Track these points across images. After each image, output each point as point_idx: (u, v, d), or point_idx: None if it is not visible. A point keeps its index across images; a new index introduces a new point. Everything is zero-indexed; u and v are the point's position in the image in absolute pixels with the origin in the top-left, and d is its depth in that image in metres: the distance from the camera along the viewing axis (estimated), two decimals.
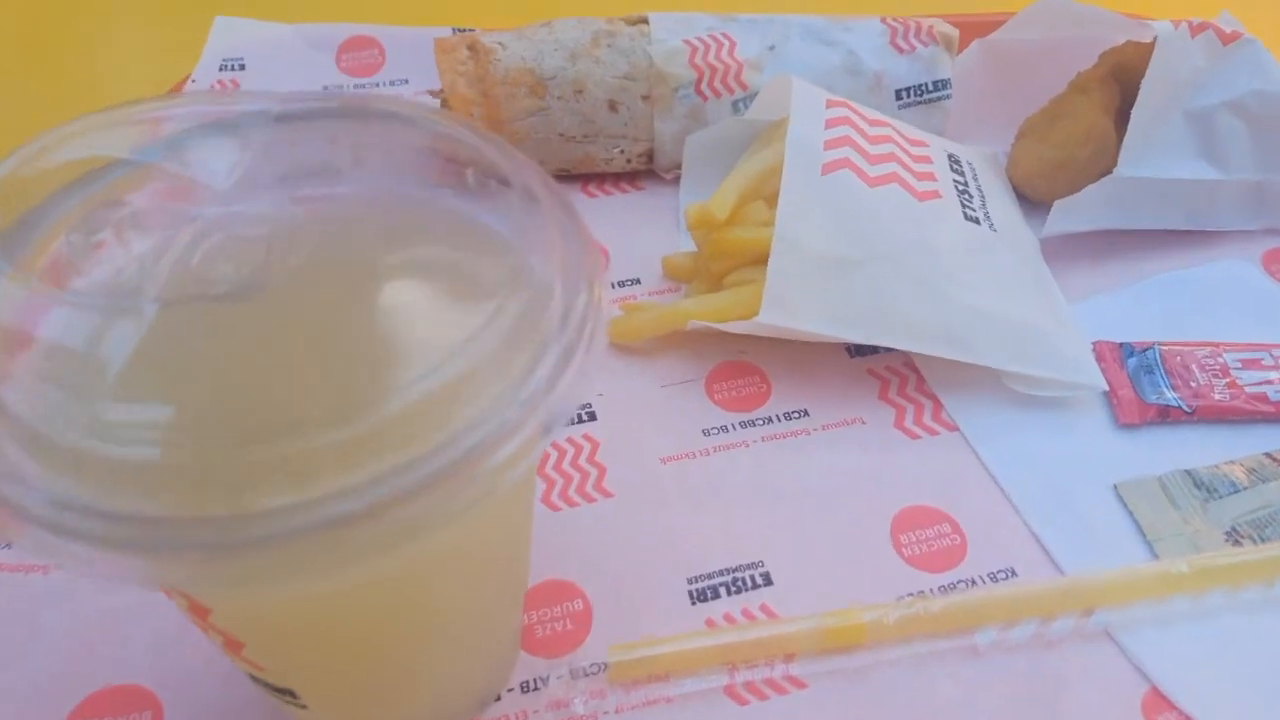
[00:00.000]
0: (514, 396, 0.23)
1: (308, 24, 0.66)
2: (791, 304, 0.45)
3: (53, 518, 0.21)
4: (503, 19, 0.61)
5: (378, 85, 0.64)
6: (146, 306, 0.24)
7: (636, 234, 0.56)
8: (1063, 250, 0.54)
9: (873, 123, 0.51)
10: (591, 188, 0.60)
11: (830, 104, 0.50)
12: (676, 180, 0.59)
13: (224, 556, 0.20)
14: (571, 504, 0.43)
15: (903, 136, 0.51)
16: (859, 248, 0.46)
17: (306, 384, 0.24)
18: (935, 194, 0.49)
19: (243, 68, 0.64)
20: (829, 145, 0.48)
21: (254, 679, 0.30)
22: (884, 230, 0.47)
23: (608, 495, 0.44)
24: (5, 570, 0.40)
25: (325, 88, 0.64)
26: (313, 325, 0.25)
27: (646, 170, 0.60)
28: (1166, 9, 0.65)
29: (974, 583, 0.41)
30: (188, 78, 0.62)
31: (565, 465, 0.45)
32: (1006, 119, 0.60)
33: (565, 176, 0.59)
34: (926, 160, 0.51)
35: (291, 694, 0.30)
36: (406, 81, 0.64)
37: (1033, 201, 0.57)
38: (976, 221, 0.49)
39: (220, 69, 0.63)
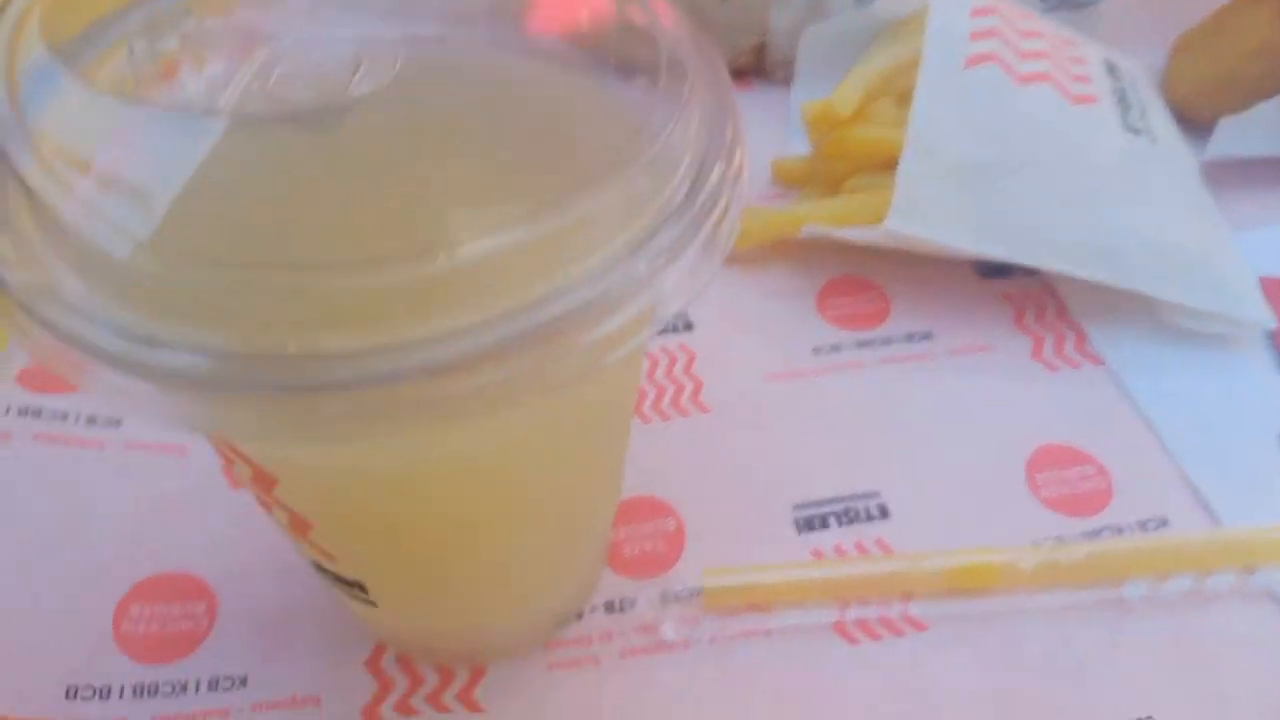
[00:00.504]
0: (630, 262, 0.19)
1: None
2: (923, 211, 0.40)
3: (117, 351, 0.17)
4: None
5: None
6: (214, 125, 0.20)
7: (754, 134, 0.51)
8: (1228, 175, 0.48)
9: (1024, 16, 0.45)
10: None
11: None
12: (786, 81, 0.54)
13: (296, 399, 0.17)
14: (665, 417, 0.39)
15: (1057, 37, 0.46)
16: (1004, 151, 0.41)
17: (387, 218, 0.20)
18: (1092, 98, 0.43)
19: None
20: (975, 36, 0.43)
21: (319, 569, 0.26)
22: (1032, 134, 0.41)
23: (704, 410, 0.39)
24: (60, 443, 0.37)
25: None
26: (397, 158, 0.21)
27: (752, 68, 0.55)
28: None
29: (1121, 531, 0.36)
30: None
31: (658, 375, 0.41)
32: (1160, 33, 0.54)
33: None
34: (1082, 61, 0.45)
35: (360, 587, 0.26)
36: None
37: (1194, 124, 0.51)
38: (1137, 133, 0.44)
39: None
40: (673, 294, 0.19)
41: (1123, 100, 0.45)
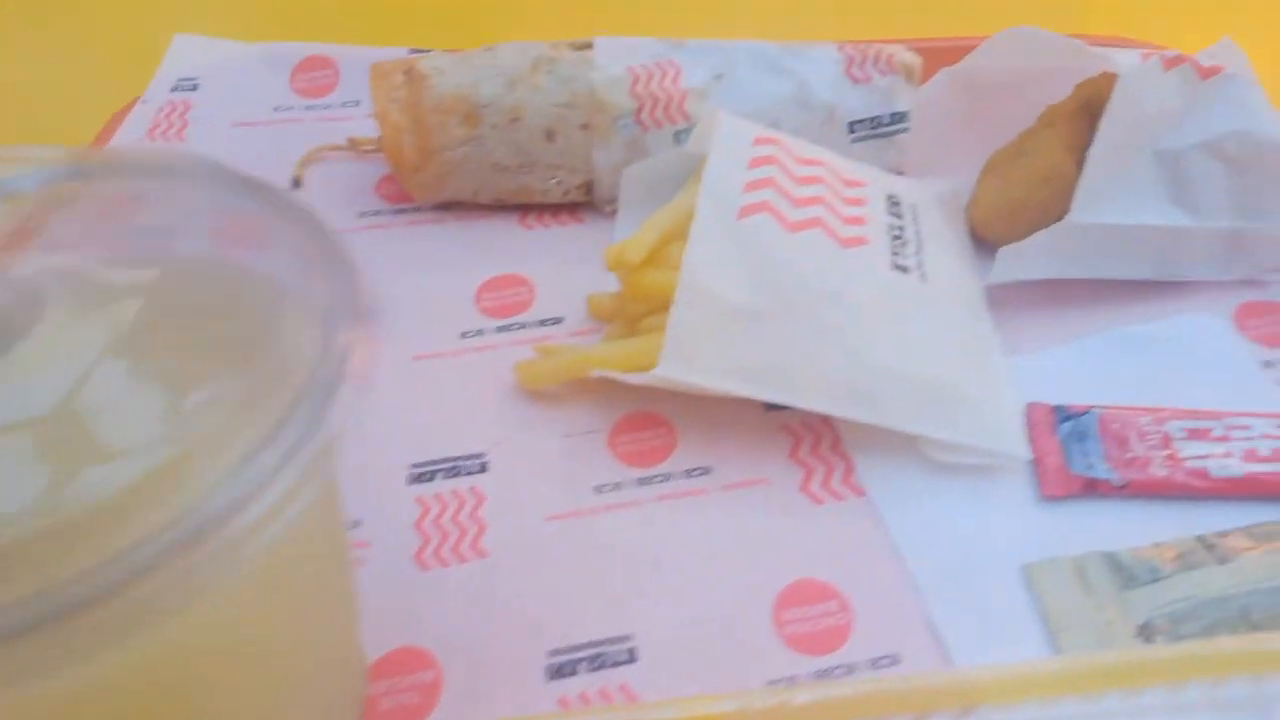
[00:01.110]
0: (258, 458, 0.22)
1: (267, 43, 0.66)
2: (693, 356, 0.43)
3: None
4: (468, 41, 0.59)
5: (329, 106, 0.63)
6: None
7: (568, 270, 0.54)
8: (1015, 298, 0.51)
9: (803, 162, 0.48)
10: (530, 219, 0.58)
11: (758, 141, 0.48)
12: (616, 214, 0.57)
13: None
14: (443, 563, 0.42)
15: (837, 177, 0.48)
16: (771, 298, 0.44)
17: (29, 466, 0.22)
18: (862, 240, 0.46)
19: (195, 88, 0.63)
20: (749, 187, 0.46)
21: None
22: (799, 279, 0.44)
23: (482, 555, 0.42)
24: None
25: (276, 109, 0.63)
26: (46, 396, 0.24)
27: (587, 202, 0.58)
28: (1166, 35, 0.61)
29: (852, 669, 0.38)
30: (137, 100, 0.62)
31: (445, 520, 0.43)
32: (974, 153, 0.57)
33: (502, 207, 0.58)
34: (859, 202, 0.48)
35: None
36: (358, 103, 0.63)
37: (991, 246, 0.53)
38: (905, 270, 0.46)
39: (172, 89, 0.63)
40: (321, 462, 0.22)
41: (897, 238, 0.48)
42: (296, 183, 0.59)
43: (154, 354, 0.25)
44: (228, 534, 0.21)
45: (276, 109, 0.63)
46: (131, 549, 0.20)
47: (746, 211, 0.45)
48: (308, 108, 0.63)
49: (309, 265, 0.25)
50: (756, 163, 0.47)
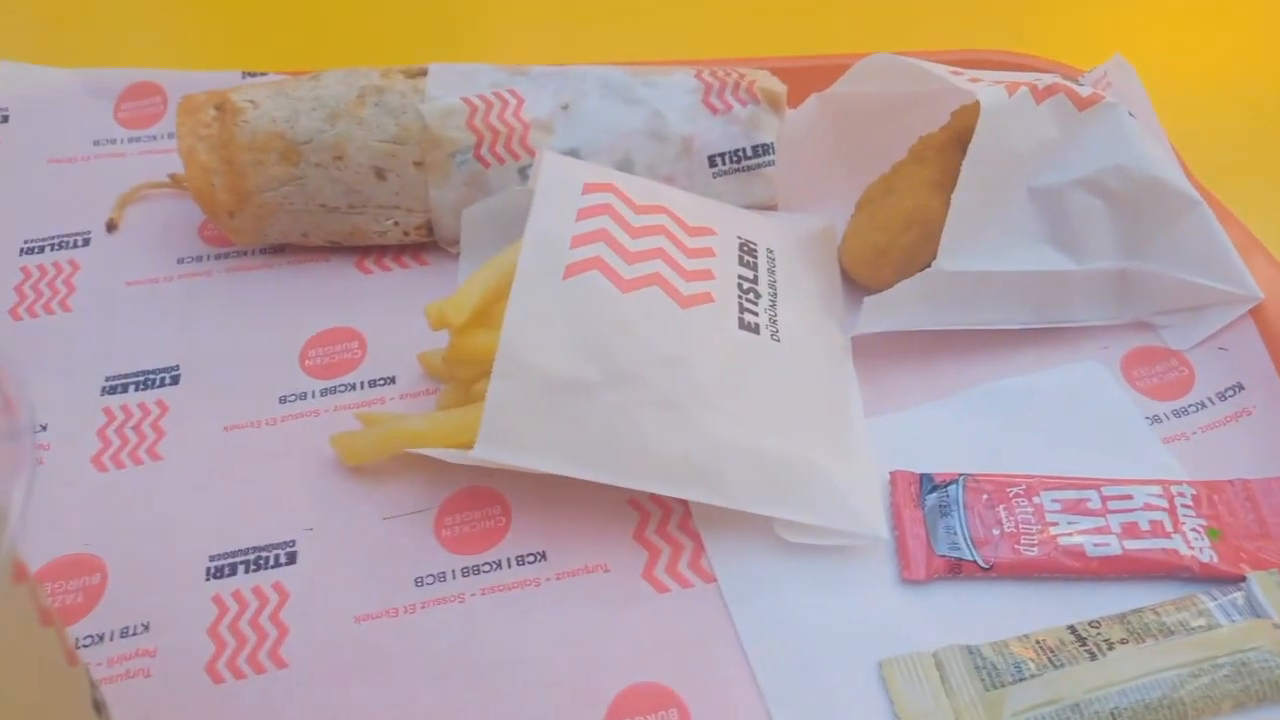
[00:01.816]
0: None
1: (91, 69, 0.60)
2: (514, 435, 0.39)
3: None
4: (329, 62, 0.54)
5: (155, 138, 0.58)
6: None
7: (405, 320, 0.49)
8: (883, 349, 0.47)
9: (642, 210, 0.44)
10: (369, 262, 0.53)
11: (589, 188, 0.43)
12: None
13: None
14: (239, 675, 0.37)
15: (679, 225, 0.44)
16: (600, 367, 0.39)
17: None
18: (706, 297, 0.42)
19: (5, 120, 0.57)
20: (577, 241, 0.41)
21: None
22: (633, 344, 0.40)
23: (281, 665, 0.37)
24: None
25: (96, 142, 0.57)
26: None
27: (431, 242, 0.53)
28: (1069, 52, 0.58)
29: None
30: None
31: (243, 624, 0.38)
32: (850, 184, 0.53)
33: (338, 249, 0.53)
34: (706, 253, 0.44)
35: None
36: None
37: (862, 289, 0.49)
38: (755, 330, 0.42)
39: None
40: None
41: (747, 292, 0.43)
42: (111, 226, 0.53)
43: None
44: None
45: (97, 142, 0.57)
46: None
47: (574, 270, 0.41)
48: (131, 139, 0.58)
49: None
50: (586, 213, 0.42)
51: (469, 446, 0.40)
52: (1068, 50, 0.61)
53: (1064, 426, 0.45)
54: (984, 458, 0.43)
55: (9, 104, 0.58)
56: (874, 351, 0.47)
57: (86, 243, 0.53)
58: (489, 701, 0.36)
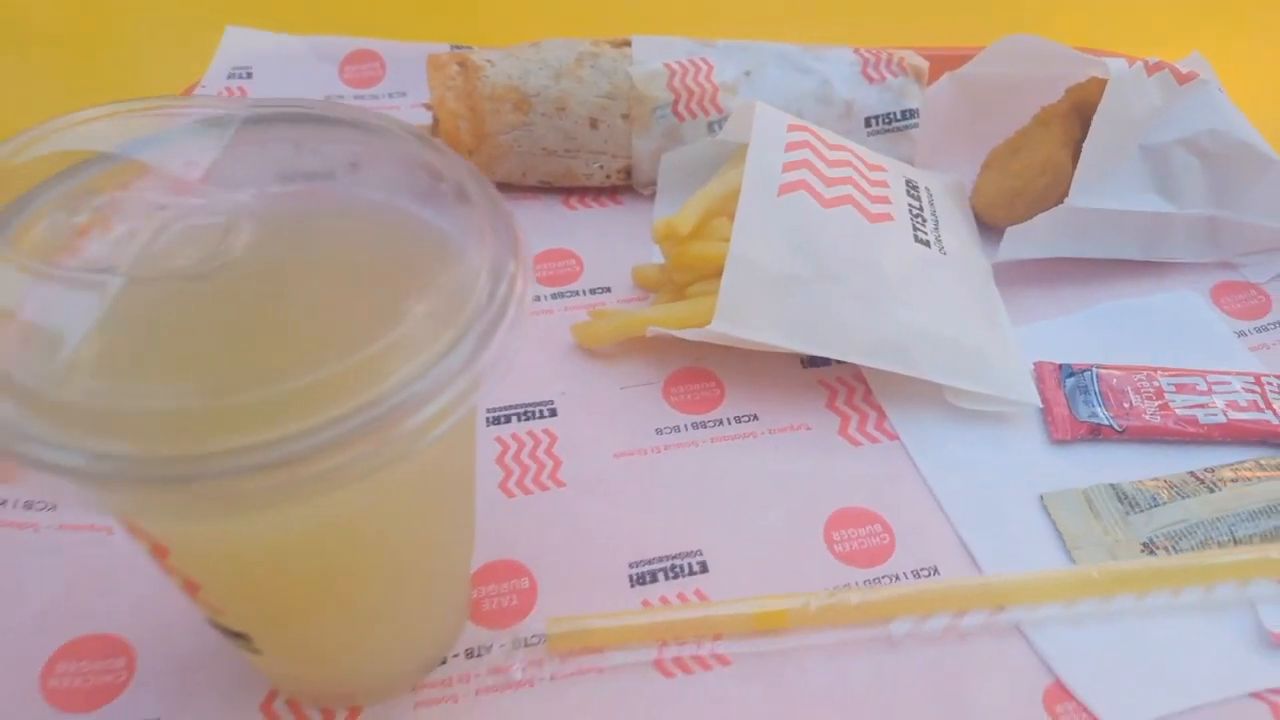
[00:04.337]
0: (438, 366, 0.26)
1: (315, 36, 0.70)
2: (743, 315, 0.48)
3: (32, 455, 0.24)
4: (501, 38, 0.64)
5: (376, 98, 0.68)
6: (114, 281, 0.27)
7: (612, 246, 0.59)
8: (1017, 275, 0.57)
9: (833, 147, 0.54)
10: (574, 201, 0.63)
11: (792, 128, 0.53)
12: (653, 196, 0.62)
13: (168, 489, 0.23)
14: (526, 492, 0.46)
15: (862, 161, 0.54)
16: (809, 266, 0.49)
17: (249, 351, 0.27)
18: (888, 216, 0.52)
19: (250, 76, 0.67)
20: (787, 168, 0.51)
21: (213, 624, 0.33)
22: (834, 249, 0.50)
23: (560, 485, 0.46)
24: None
25: (327, 97, 0.67)
26: (260, 301, 0.28)
27: (625, 186, 0.63)
28: (1141, 46, 0.68)
29: (897, 578, 0.43)
30: (197, 83, 0.66)
31: (524, 456, 0.48)
32: (974, 149, 0.63)
33: (548, 189, 0.63)
34: (883, 184, 0.54)
35: (246, 638, 0.33)
36: (404, 94, 0.68)
37: (994, 229, 0.59)
38: (927, 244, 0.52)
39: (229, 76, 0.67)
40: (486, 378, 0.27)
41: (917, 216, 0.53)
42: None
43: (350, 274, 0.30)
44: (410, 423, 0.25)
45: (328, 97, 0.67)
46: (336, 421, 0.24)
47: (786, 189, 0.50)
48: (356, 97, 0.68)
49: (481, 226, 0.30)
50: (792, 146, 0.52)
51: (697, 328, 0.49)
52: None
53: (1170, 337, 0.55)
54: (1107, 358, 0.53)
55: (251, 63, 0.68)
56: (1008, 278, 0.57)
57: None
58: (725, 514, 0.46)
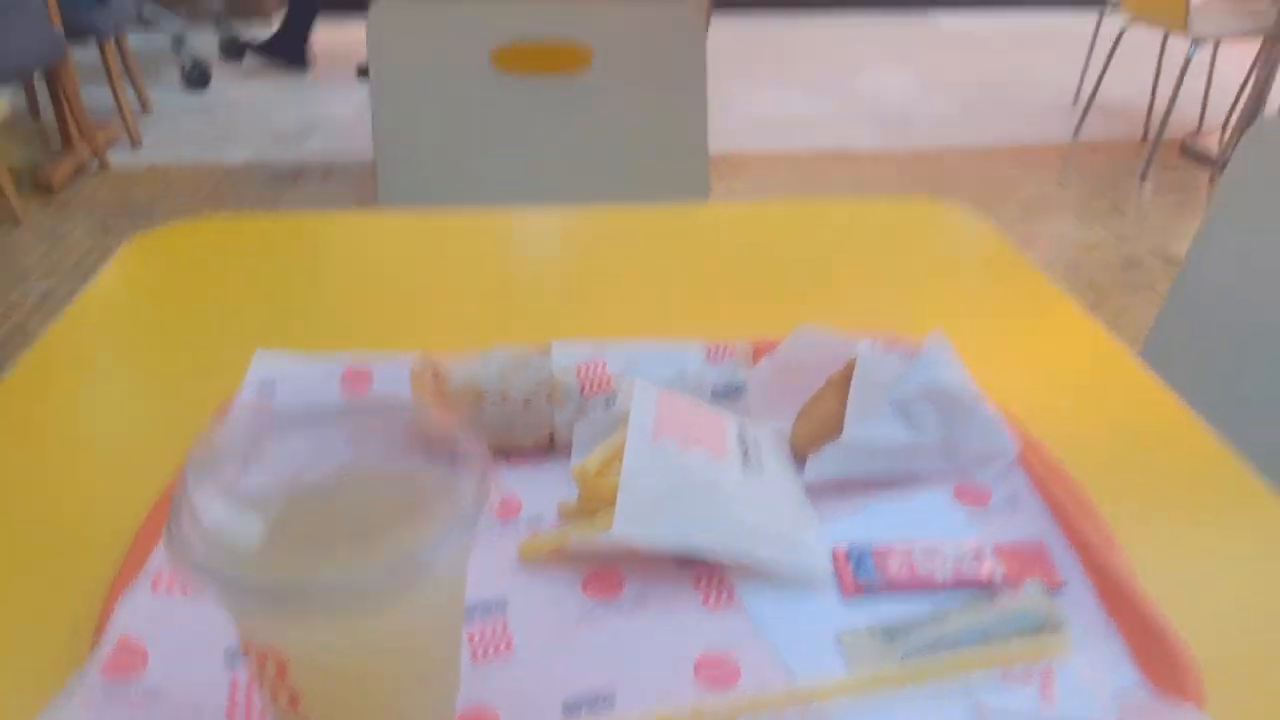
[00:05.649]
0: (431, 544, 0.51)
1: (321, 353, 0.97)
2: (637, 520, 0.73)
3: (206, 571, 0.48)
4: (465, 343, 0.92)
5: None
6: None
7: (547, 489, 0.84)
8: (823, 489, 0.84)
9: (689, 408, 0.81)
10: (515, 459, 0.88)
11: (661, 397, 0.81)
12: (569, 453, 0.88)
13: (286, 599, 0.48)
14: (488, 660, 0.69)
15: (709, 416, 0.82)
16: (676, 488, 0.75)
17: (342, 549, 0.52)
18: (725, 450, 0.79)
19: (273, 388, 0.94)
20: (658, 423, 0.78)
21: None
22: (692, 475, 0.76)
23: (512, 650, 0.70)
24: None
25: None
26: (343, 518, 0.54)
27: (550, 447, 0.89)
28: (911, 327, 0.98)
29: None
30: (234, 396, 0.92)
31: (484, 636, 0.71)
32: (790, 406, 0.91)
33: (497, 452, 0.89)
34: (723, 432, 0.81)
35: None
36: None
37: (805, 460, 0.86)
38: (750, 470, 0.79)
39: (259, 391, 0.93)
40: (465, 551, 0.52)
41: (745, 452, 0.80)
42: None
43: (380, 503, 0.55)
44: (436, 567, 0.50)
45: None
46: (400, 562, 0.49)
47: (657, 436, 0.77)
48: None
49: (459, 469, 0.56)
50: (661, 408, 0.79)
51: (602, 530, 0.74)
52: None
53: (919, 522, 0.81)
54: (882, 539, 0.79)
55: (275, 377, 0.94)
56: (815, 491, 0.83)
57: None
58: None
